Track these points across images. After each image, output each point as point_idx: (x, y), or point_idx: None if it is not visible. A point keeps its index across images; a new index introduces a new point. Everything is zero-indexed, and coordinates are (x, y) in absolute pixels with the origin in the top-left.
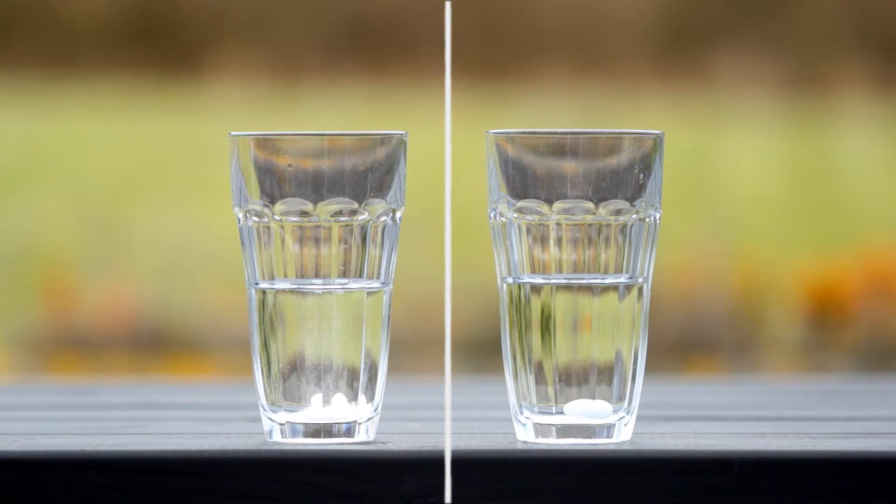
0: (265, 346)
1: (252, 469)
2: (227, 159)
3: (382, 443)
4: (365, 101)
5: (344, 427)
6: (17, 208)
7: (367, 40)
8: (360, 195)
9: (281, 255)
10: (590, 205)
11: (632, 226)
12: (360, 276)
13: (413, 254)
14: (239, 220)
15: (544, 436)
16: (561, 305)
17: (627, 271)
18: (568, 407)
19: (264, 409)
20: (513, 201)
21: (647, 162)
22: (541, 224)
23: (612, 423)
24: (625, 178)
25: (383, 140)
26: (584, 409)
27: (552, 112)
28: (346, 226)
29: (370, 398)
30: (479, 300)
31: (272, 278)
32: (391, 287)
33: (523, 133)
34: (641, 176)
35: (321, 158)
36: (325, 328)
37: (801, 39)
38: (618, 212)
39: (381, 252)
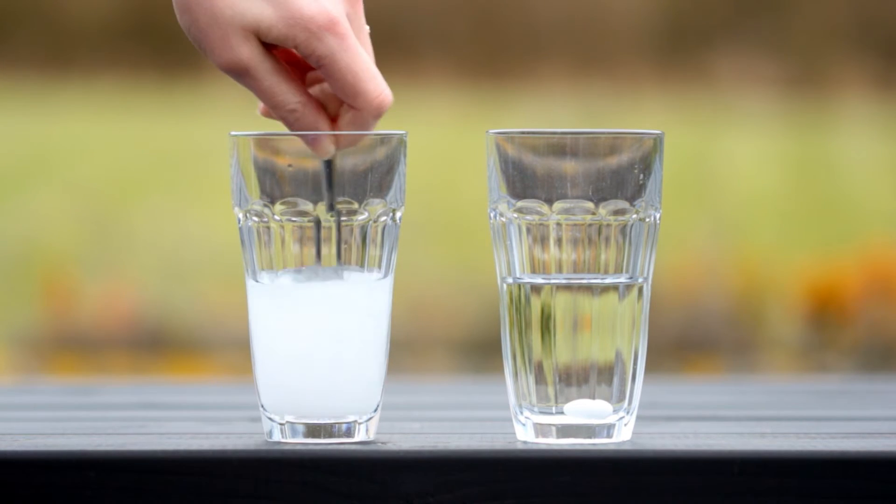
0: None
1: (252, 469)
2: (227, 159)
3: (382, 443)
4: None
5: (344, 427)
6: (17, 208)
7: None
8: (360, 195)
9: (281, 255)
10: (590, 205)
11: (632, 226)
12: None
13: (413, 254)
14: (239, 220)
15: (544, 436)
16: (561, 305)
17: (627, 271)
18: (568, 407)
19: (264, 409)
20: (513, 201)
21: (647, 162)
22: (541, 224)
23: (612, 423)
24: (625, 178)
25: (383, 140)
26: (584, 409)
27: (552, 112)
28: (347, 226)
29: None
30: (479, 300)
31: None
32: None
33: (523, 133)
34: (641, 176)
35: (321, 158)
36: None
37: (802, 39)
38: (618, 212)
39: (381, 252)
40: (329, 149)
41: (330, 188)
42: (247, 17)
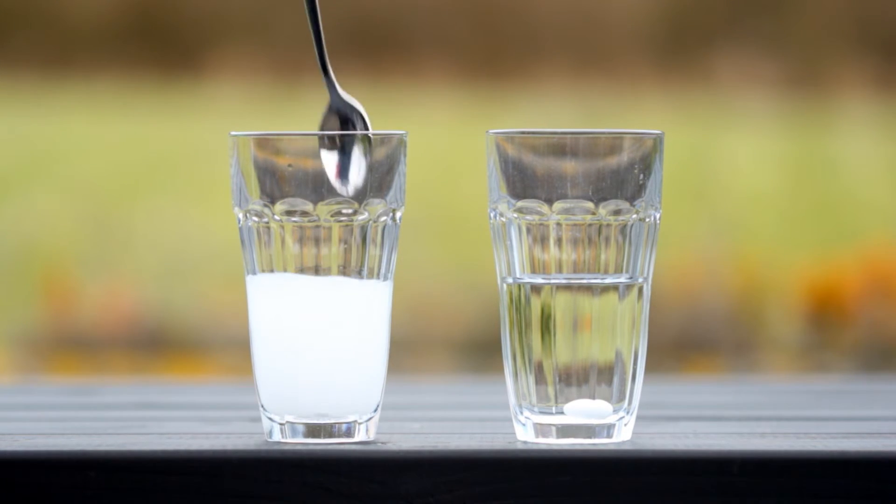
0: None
1: (252, 469)
2: (227, 159)
3: (382, 443)
4: (365, 101)
5: (344, 427)
6: (17, 208)
7: (367, 40)
8: (360, 195)
9: (281, 255)
10: (590, 205)
11: (632, 226)
12: (360, 275)
13: (413, 254)
14: (239, 220)
15: (544, 436)
16: (561, 305)
17: (627, 271)
18: (568, 407)
19: (264, 409)
20: (513, 201)
21: (647, 162)
22: (541, 224)
23: (612, 423)
24: (625, 178)
25: (383, 140)
26: (584, 409)
27: (552, 112)
28: (346, 226)
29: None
30: (479, 300)
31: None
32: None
33: (523, 133)
34: (641, 176)
35: (321, 158)
36: None
37: (802, 39)
38: (618, 212)
39: (381, 252)
40: None
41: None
42: None
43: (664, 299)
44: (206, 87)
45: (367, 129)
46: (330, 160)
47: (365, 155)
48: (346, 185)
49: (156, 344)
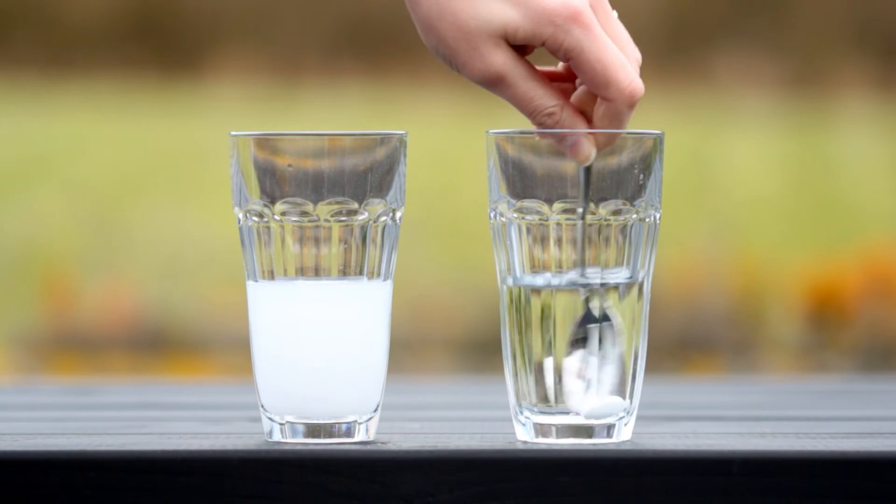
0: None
1: (252, 469)
2: (227, 159)
3: (382, 443)
4: (365, 101)
5: (344, 427)
6: (17, 208)
7: (367, 40)
8: (360, 195)
9: (281, 255)
10: (590, 205)
11: (632, 226)
12: (360, 275)
13: (413, 254)
14: (239, 220)
15: (544, 436)
16: (561, 305)
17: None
18: (586, 411)
19: (264, 409)
20: (513, 201)
21: (647, 162)
22: (541, 224)
23: (612, 423)
24: (625, 178)
25: (383, 140)
26: (600, 408)
27: None
28: (346, 226)
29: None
30: (479, 300)
31: (272, 278)
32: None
33: (523, 133)
34: (641, 176)
35: (321, 158)
36: None
37: (802, 39)
38: (618, 212)
39: (381, 252)
40: (590, 152)
41: (587, 195)
42: (493, 23)
43: (664, 299)
44: (206, 87)
45: (614, 340)
46: (573, 363)
47: (613, 347)
48: (586, 394)
49: (156, 344)
